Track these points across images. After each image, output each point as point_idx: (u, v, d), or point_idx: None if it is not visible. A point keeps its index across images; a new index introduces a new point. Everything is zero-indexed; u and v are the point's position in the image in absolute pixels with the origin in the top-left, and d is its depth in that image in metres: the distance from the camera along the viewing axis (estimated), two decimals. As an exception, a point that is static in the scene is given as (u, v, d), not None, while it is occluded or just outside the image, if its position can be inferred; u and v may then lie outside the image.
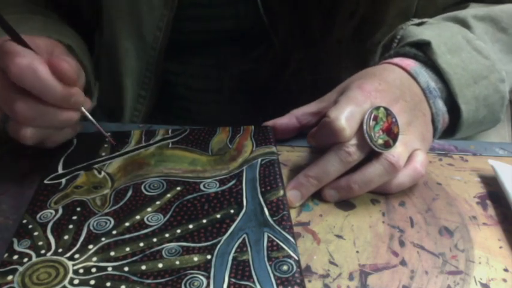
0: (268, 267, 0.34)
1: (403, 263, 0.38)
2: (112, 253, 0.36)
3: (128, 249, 0.36)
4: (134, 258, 0.35)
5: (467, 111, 0.48)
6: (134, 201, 0.40)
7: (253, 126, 0.48)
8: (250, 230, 0.37)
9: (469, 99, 0.48)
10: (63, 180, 0.42)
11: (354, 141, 0.41)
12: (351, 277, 0.37)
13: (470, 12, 0.54)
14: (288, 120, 0.49)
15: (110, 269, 0.34)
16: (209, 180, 0.42)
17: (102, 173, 0.43)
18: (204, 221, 0.38)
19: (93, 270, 0.34)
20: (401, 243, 0.40)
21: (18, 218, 0.41)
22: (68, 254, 0.35)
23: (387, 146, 0.42)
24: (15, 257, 0.35)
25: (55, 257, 0.35)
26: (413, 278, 0.37)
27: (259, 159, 0.44)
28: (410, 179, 0.43)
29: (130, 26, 0.57)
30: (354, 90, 0.43)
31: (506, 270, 0.37)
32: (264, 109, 0.57)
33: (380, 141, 0.41)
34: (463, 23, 0.52)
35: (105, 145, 0.46)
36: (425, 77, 0.48)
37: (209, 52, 0.60)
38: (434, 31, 0.50)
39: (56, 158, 0.45)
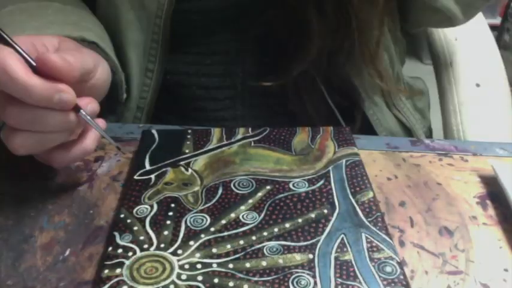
0: (372, 268, 0.34)
1: (403, 263, 0.38)
2: (214, 250, 0.36)
3: (228, 246, 0.36)
4: (237, 256, 0.36)
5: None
6: (226, 199, 0.41)
7: (332, 127, 0.49)
8: (347, 230, 0.38)
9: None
10: (153, 177, 0.43)
11: None
12: (351, 277, 0.37)
13: None
14: None
15: (214, 265, 0.35)
16: (297, 179, 0.43)
17: (190, 170, 0.44)
18: (300, 220, 0.39)
19: (199, 266, 0.35)
20: (401, 243, 0.40)
21: (18, 218, 0.41)
22: (171, 250, 0.36)
23: None
24: (120, 250, 0.36)
25: (159, 252, 0.36)
26: (413, 278, 0.37)
27: (344, 160, 0.45)
28: None
29: None
30: None
31: (506, 270, 0.37)
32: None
33: None
34: None
35: (188, 142, 0.47)
36: None
37: (216, 41, 0.59)
38: None
39: (141, 154, 0.45)
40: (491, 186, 0.45)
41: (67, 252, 0.38)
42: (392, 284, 0.33)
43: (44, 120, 0.37)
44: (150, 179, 0.42)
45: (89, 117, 0.40)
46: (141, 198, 0.40)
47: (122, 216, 0.39)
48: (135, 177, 0.43)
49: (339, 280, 0.34)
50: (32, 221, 0.41)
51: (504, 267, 0.38)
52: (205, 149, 0.46)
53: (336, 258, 0.35)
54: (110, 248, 0.36)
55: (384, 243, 0.36)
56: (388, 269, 0.35)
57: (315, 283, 0.33)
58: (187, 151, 0.46)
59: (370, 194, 0.41)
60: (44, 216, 0.41)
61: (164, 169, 0.44)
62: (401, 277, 0.34)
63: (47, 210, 0.42)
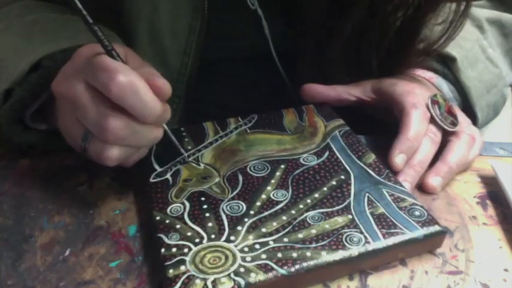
0: (404, 215, 0.38)
1: (403, 263, 0.38)
2: (263, 229, 0.37)
3: (274, 224, 0.38)
4: (287, 230, 0.37)
5: (481, 118, 0.54)
6: (250, 184, 0.42)
7: (313, 105, 0.53)
8: (368, 189, 0.41)
9: (483, 107, 0.55)
10: (169, 177, 0.43)
11: (431, 125, 0.47)
12: (351, 277, 0.37)
13: (485, 14, 0.57)
14: (327, 89, 0.52)
15: (271, 242, 0.36)
16: (305, 155, 0.45)
17: (201, 164, 0.44)
18: (325, 188, 0.41)
19: (257, 246, 0.36)
20: (402, 243, 0.40)
21: (18, 218, 0.41)
22: (223, 238, 0.36)
23: (454, 124, 0.47)
24: (174, 249, 0.35)
25: (213, 243, 0.36)
26: (413, 278, 0.37)
27: (337, 132, 0.49)
28: (479, 150, 0.48)
29: (153, 55, 0.54)
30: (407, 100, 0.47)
31: (506, 270, 0.37)
32: None
33: (449, 121, 0.47)
34: (479, 26, 0.57)
35: (186, 139, 0.47)
36: (447, 88, 0.54)
37: (238, 71, 0.59)
38: (457, 41, 0.53)
39: (146, 157, 0.43)
40: (491, 186, 0.45)
41: (67, 252, 0.38)
42: (427, 223, 0.37)
43: (143, 135, 0.38)
44: (167, 179, 0.42)
45: (167, 128, 0.42)
46: (168, 199, 0.40)
47: (158, 218, 0.38)
48: (151, 180, 0.42)
49: (384, 230, 0.37)
50: (32, 221, 0.41)
51: (504, 267, 0.38)
52: (206, 143, 0.47)
53: (372, 214, 0.38)
54: (163, 250, 0.35)
55: (404, 194, 0.40)
56: (417, 213, 0.39)
57: (365, 237, 0.36)
58: (189, 147, 0.46)
59: (373, 156, 0.45)
60: (44, 216, 0.42)
61: (175, 168, 0.44)
62: (430, 217, 0.38)
63: (47, 210, 0.42)
